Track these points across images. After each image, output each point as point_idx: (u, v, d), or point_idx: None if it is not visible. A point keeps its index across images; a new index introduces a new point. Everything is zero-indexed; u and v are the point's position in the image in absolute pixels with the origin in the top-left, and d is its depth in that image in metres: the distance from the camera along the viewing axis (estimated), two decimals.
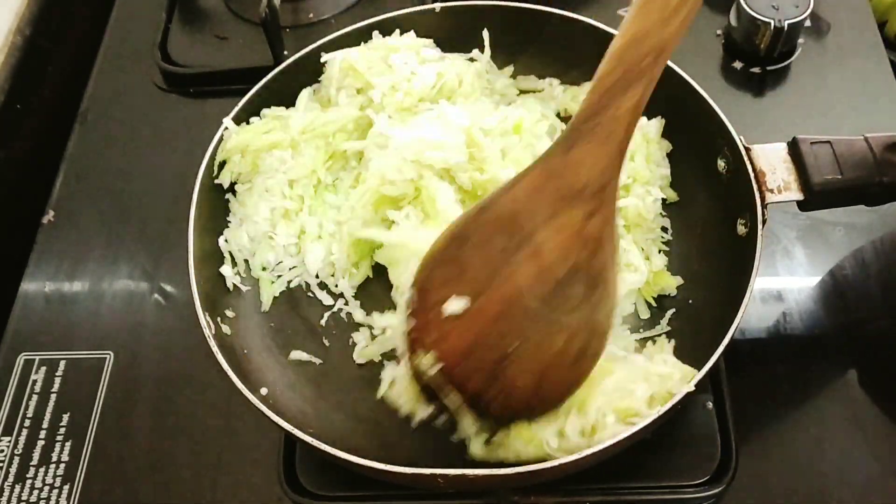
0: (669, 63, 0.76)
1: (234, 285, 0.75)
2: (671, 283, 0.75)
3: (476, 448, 0.65)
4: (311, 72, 0.82)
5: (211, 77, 0.99)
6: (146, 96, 0.99)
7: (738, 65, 0.96)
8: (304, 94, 0.82)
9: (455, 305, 0.60)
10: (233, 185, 0.78)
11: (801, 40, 0.96)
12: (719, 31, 0.99)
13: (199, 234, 0.72)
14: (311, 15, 1.03)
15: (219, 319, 0.70)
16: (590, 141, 0.54)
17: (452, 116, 0.76)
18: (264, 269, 0.77)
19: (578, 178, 0.55)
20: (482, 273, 0.59)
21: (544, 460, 0.59)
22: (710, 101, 0.74)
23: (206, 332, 0.65)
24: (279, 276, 0.78)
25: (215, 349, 0.64)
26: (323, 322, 0.77)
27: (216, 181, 0.77)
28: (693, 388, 0.61)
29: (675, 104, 0.77)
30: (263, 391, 0.68)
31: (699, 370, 0.62)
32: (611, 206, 0.56)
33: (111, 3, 1.09)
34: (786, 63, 0.95)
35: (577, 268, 0.57)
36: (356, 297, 0.78)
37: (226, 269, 0.75)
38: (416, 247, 0.69)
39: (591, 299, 0.58)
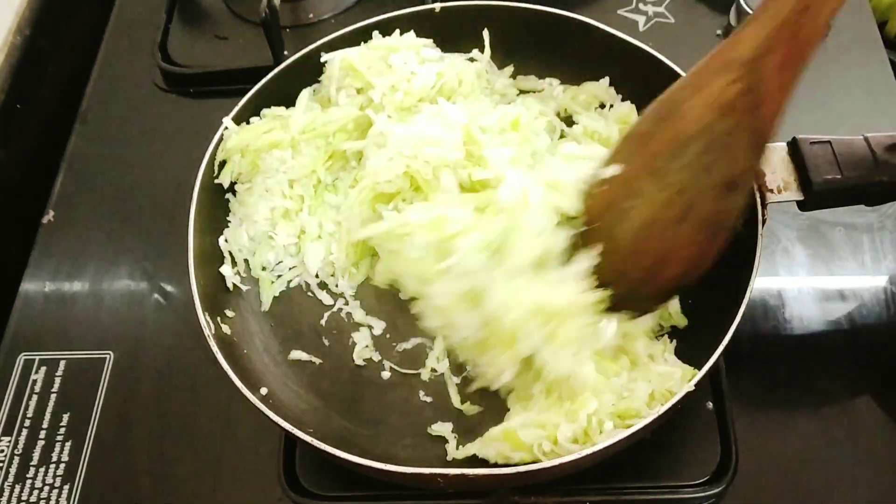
0: (669, 62, 0.76)
1: (234, 285, 0.75)
2: (680, 322, 0.74)
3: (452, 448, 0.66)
4: (311, 72, 0.82)
5: (211, 77, 0.99)
6: (146, 96, 0.99)
7: None
8: (304, 94, 0.82)
9: (608, 171, 0.62)
10: (233, 184, 0.79)
11: None
12: (719, 31, 0.99)
13: (199, 233, 0.72)
14: (311, 15, 1.03)
15: (219, 319, 0.70)
16: (753, 21, 0.54)
17: (450, 114, 0.76)
18: (264, 268, 0.78)
19: (732, 52, 0.55)
20: (635, 146, 0.62)
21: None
22: None
23: (206, 331, 0.65)
24: (279, 276, 0.78)
25: (215, 349, 0.64)
26: (323, 322, 0.77)
27: (216, 181, 0.77)
28: (693, 388, 0.61)
29: None
30: (263, 391, 0.68)
31: (699, 370, 0.62)
32: (754, 77, 0.54)
33: (111, 3, 1.09)
34: None
35: (704, 129, 0.57)
36: (356, 297, 0.78)
37: (226, 269, 0.75)
38: (415, 223, 0.70)
39: (704, 160, 0.57)
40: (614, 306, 0.64)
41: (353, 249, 0.77)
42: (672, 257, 0.61)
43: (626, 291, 0.63)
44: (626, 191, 0.61)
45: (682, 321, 0.72)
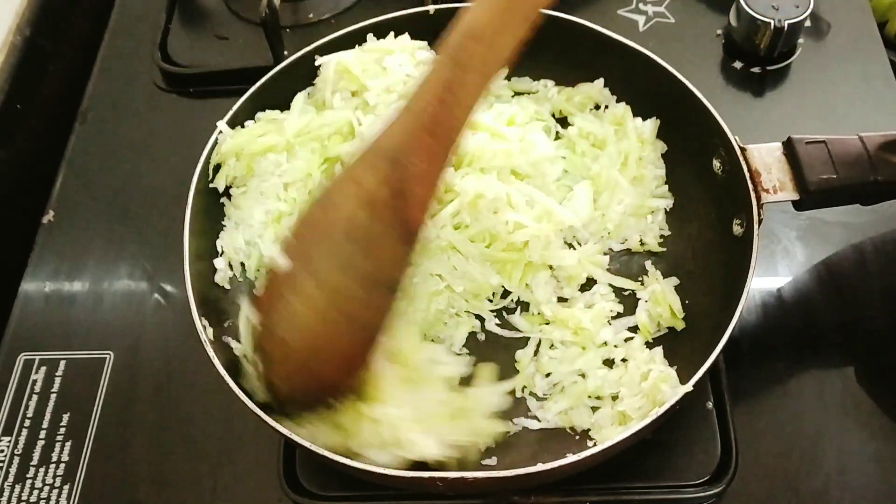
0: (664, 63, 0.76)
1: (231, 289, 0.75)
2: (678, 325, 0.74)
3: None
4: (306, 74, 0.82)
5: (211, 77, 0.99)
6: (146, 96, 0.99)
7: (738, 65, 0.96)
8: (299, 98, 0.82)
9: (279, 261, 0.61)
10: (228, 188, 0.78)
11: (801, 40, 0.96)
12: (719, 31, 0.99)
13: (194, 237, 0.71)
14: (311, 15, 1.03)
15: (215, 324, 0.70)
16: (403, 114, 0.57)
17: None
18: (259, 270, 0.77)
19: (382, 144, 0.57)
20: (302, 234, 0.62)
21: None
22: (705, 101, 0.74)
23: (203, 336, 0.65)
24: None
25: (212, 354, 0.64)
26: None
27: (211, 185, 0.77)
28: (692, 388, 0.61)
29: (669, 104, 0.78)
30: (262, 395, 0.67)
31: (698, 370, 0.62)
32: (396, 171, 0.56)
33: (111, 3, 1.09)
34: (786, 63, 0.95)
35: (343, 229, 0.58)
36: None
37: (221, 274, 0.75)
38: None
39: (348, 252, 0.58)
40: (287, 407, 0.63)
41: None
42: (329, 357, 0.61)
43: (303, 403, 0.63)
44: (291, 287, 0.60)
45: (679, 324, 0.72)
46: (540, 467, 0.58)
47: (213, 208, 0.77)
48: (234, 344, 0.70)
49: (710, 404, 0.72)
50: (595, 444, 0.64)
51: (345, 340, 0.60)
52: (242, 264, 0.77)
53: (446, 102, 0.55)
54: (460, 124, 0.56)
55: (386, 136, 0.57)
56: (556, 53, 0.84)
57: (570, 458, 0.58)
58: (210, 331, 0.67)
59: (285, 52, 0.93)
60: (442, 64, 0.56)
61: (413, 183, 0.56)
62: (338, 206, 0.59)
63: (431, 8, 0.83)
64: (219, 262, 0.75)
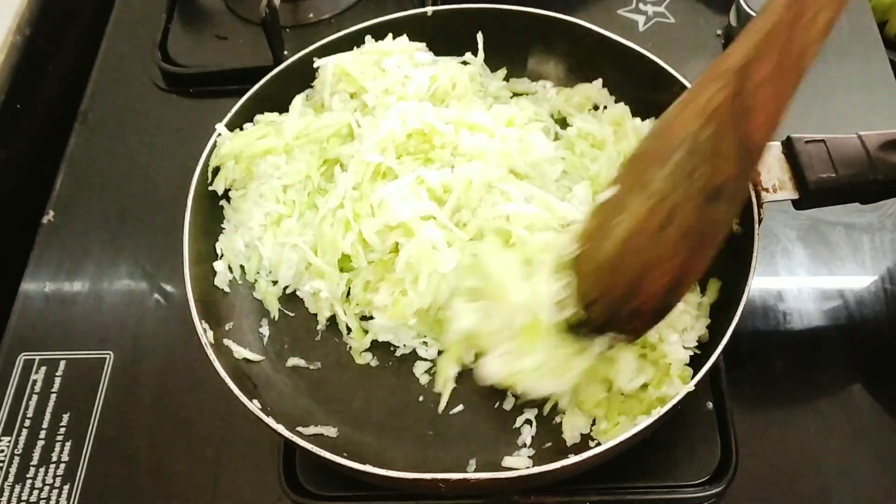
0: (662, 63, 0.77)
1: (231, 292, 0.75)
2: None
3: None
4: (305, 76, 0.82)
5: (211, 77, 0.99)
6: (146, 96, 0.99)
7: None
8: (298, 100, 0.82)
9: (605, 194, 0.61)
10: (227, 191, 0.78)
11: None
12: (719, 31, 0.99)
13: (194, 240, 0.72)
14: (311, 15, 1.03)
15: (215, 326, 0.70)
16: (745, 33, 0.54)
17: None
18: (259, 273, 0.77)
19: (723, 64, 0.54)
20: (630, 166, 0.61)
21: None
22: None
23: (203, 339, 0.65)
24: (275, 283, 0.77)
25: (213, 357, 0.64)
26: (320, 327, 0.76)
27: (210, 188, 0.77)
28: (693, 388, 0.61)
29: (668, 104, 0.77)
30: (262, 398, 0.67)
31: (699, 370, 0.62)
32: (742, 84, 0.53)
33: (111, 3, 1.09)
34: None
35: (688, 136, 0.55)
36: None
37: (221, 277, 0.75)
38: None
39: (686, 167, 0.55)
40: (599, 328, 0.62)
41: None
42: (655, 269, 0.59)
43: (610, 309, 0.61)
44: (616, 208, 0.60)
45: None
46: (541, 468, 0.58)
47: (212, 211, 0.77)
48: (234, 347, 0.70)
49: (710, 404, 0.72)
50: (597, 445, 0.65)
51: (674, 254, 0.58)
52: (242, 267, 0.77)
53: (799, 18, 0.52)
54: (812, 45, 0.52)
55: (732, 50, 0.54)
56: (554, 54, 0.84)
57: (572, 459, 0.58)
58: (210, 334, 0.67)
59: (285, 53, 0.93)
60: None
61: (760, 98, 0.53)
62: (679, 124, 0.56)
63: (429, 9, 0.83)
64: (218, 265, 0.75)
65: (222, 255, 0.76)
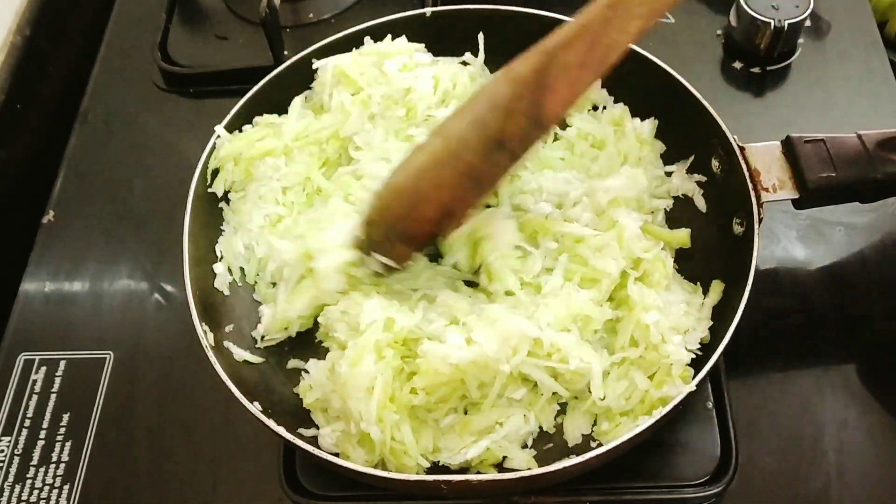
0: (661, 63, 0.76)
1: (230, 294, 0.75)
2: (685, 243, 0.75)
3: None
4: (303, 78, 0.82)
5: (211, 77, 0.99)
6: (146, 96, 0.99)
7: (738, 65, 0.96)
8: (297, 101, 0.82)
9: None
10: (226, 193, 0.78)
11: (801, 40, 0.96)
12: (719, 31, 0.99)
13: (193, 242, 0.71)
14: (311, 15, 1.03)
15: (215, 328, 0.69)
16: (570, 22, 0.61)
17: None
18: (258, 275, 0.77)
19: (542, 44, 0.61)
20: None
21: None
22: (703, 101, 0.74)
23: (203, 342, 0.65)
24: (274, 284, 0.77)
25: (213, 360, 0.64)
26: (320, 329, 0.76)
27: (210, 190, 0.77)
28: (694, 388, 0.61)
29: (667, 104, 0.78)
30: (262, 401, 0.67)
31: (699, 371, 0.62)
32: (547, 64, 0.61)
33: (111, 3, 1.09)
34: (786, 63, 0.95)
35: (490, 92, 0.64)
36: None
37: (221, 278, 0.75)
38: None
39: (480, 115, 0.63)
40: (370, 248, 0.68)
41: None
42: (432, 196, 0.65)
43: (384, 229, 0.68)
44: (418, 150, 0.67)
45: (686, 242, 0.75)
46: (543, 470, 0.58)
47: (212, 212, 0.77)
48: (234, 349, 0.70)
49: (710, 404, 0.72)
50: (599, 446, 0.64)
51: (451, 186, 0.65)
52: (242, 269, 0.77)
53: (613, 20, 0.59)
54: (617, 46, 0.60)
55: (548, 37, 0.61)
56: None
57: (574, 460, 0.58)
58: (210, 336, 0.67)
59: (285, 53, 0.93)
60: None
61: (559, 78, 0.60)
62: (488, 86, 0.65)
63: (428, 10, 0.83)
64: (218, 267, 0.75)
65: (222, 257, 0.76)
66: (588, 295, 0.68)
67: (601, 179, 0.75)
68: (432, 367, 0.64)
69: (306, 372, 0.70)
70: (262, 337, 0.73)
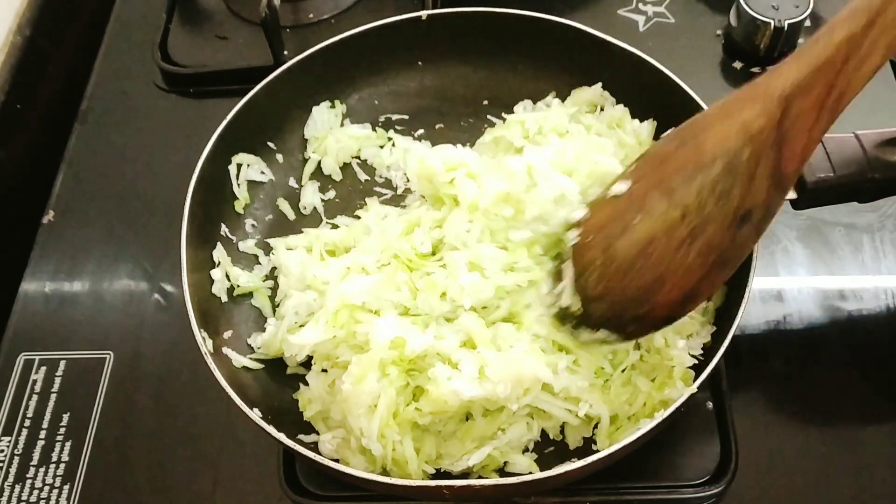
0: (659, 65, 0.76)
1: (229, 300, 0.74)
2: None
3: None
4: (301, 79, 0.82)
5: (211, 77, 0.99)
6: (146, 96, 0.99)
7: (738, 65, 0.96)
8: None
9: (618, 186, 0.60)
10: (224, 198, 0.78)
11: (800, 40, 0.96)
12: (719, 31, 0.99)
13: (192, 247, 0.71)
14: (311, 15, 1.03)
15: (214, 334, 0.69)
16: (794, 59, 0.52)
17: None
18: (265, 279, 0.77)
19: (767, 85, 0.53)
20: (650, 165, 0.60)
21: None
22: (700, 102, 0.74)
23: (203, 348, 0.65)
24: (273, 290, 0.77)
25: (212, 366, 0.64)
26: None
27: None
28: (696, 390, 0.61)
29: (666, 106, 0.77)
30: (262, 407, 0.67)
31: (701, 372, 0.62)
32: (784, 113, 0.52)
33: (111, 3, 1.09)
34: None
35: (724, 153, 0.54)
36: None
37: (219, 285, 0.74)
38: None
39: (719, 185, 0.55)
40: (596, 323, 0.62)
41: None
42: (671, 280, 0.58)
43: (615, 308, 0.61)
44: (633, 205, 0.59)
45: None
46: (546, 474, 0.58)
47: (210, 218, 0.77)
48: (233, 355, 0.70)
49: (710, 404, 0.72)
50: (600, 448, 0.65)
51: (694, 268, 0.57)
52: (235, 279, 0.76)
53: (850, 58, 0.50)
54: (854, 88, 0.51)
55: (778, 75, 0.52)
56: (553, 57, 0.84)
57: (576, 464, 0.58)
58: (210, 343, 0.67)
59: (285, 53, 0.93)
60: (853, 16, 0.49)
61: (797, 130, 0.52)
62: (713, 137, 0.55)
63: (424, 13, 0.83)
64: (216, 273, 0.75)
65: (219, 264, 0.75)
66: None
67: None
68: (441, 396, 0.62)
69: (306, 385, 0.70)
70: (258, 348, 0.73)
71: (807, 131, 0.53)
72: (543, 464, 0.66)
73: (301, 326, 0.70)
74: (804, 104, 0.51)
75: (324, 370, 0.70)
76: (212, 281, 0.74)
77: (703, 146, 0.56)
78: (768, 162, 0.53)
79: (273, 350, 0.71)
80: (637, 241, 0.58)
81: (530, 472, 0.64)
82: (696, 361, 0.66)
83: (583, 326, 0.63)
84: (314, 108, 0.85)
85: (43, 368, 0.79)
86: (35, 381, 0.78)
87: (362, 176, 0.85)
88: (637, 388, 0.66)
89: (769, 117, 0.52)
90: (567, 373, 0.64)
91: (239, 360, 0.70)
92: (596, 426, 0.68)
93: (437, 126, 0.87)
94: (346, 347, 0.67)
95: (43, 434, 0.75)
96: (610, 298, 0.61)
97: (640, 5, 1.02)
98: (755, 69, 0.95)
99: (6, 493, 0.72)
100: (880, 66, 0.50)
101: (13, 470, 0.74)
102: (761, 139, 0.53)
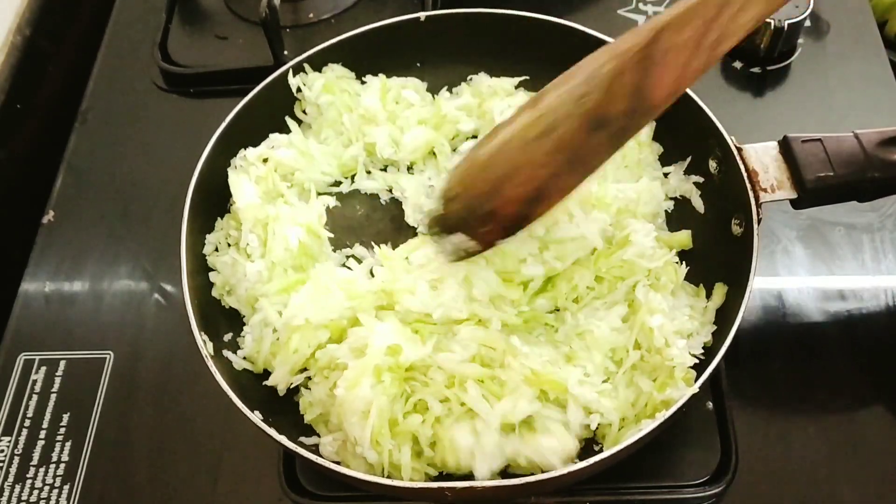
0: None
1: (229, 302, 0.74)
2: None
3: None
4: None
5: (211, 77, 0.99)
6: (146, 96, 0.99)
7: (737, 65, 0.96)
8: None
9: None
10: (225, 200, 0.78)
11: (800, 40, 0.96)
12: None
13: (191, 250, 0.71)
14: (311, 15, 1.03)
15: (214, 337, 0.69)
16: (679, 4, 0.55)
17: None
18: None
19: (649, 23, 0.56)
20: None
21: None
22: (700, 102, 0.74)
23: (203, 351, 0.65)
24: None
25: (213, 369, 0.64)
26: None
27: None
28: (697, 391, 0.61)
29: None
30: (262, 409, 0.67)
31: (701, 372, 0.62)
32: (655, 42, 0.55)
33: (111, 3, 1.09)
34: (786, 63, 0.95)
35: (584, 71, 0.58)
36: None
37: (218, 289, 0.74)
38: None
39: (579, 90, 0.58)
40: (451, 227, 0.64)
41: None
42: (520, 174, 0.60)
43: (469, 205, 0.62)
44: (506, 123, 0.62)
45: (687, 244, 0.74)
46: (547, 475, 0.58)
47: (209, 221, 0.77)
48: (232, 357, 0.70)
49: (710, 404, 0.72)
50: (601, 449, 0.64)
51: (544, 163, 0.59)
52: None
53: (727, 5, 0.53)
54: (732, 35, 0.54)
55: (657, 16, 0.56)
56: (553, 58, 0.83)
57: (578, 465, 0.58)
58: (210, 345, 0.67)
59: (285, 53, 0.93)
60: None
61: (666, 60, 0.55)
62: (586, 61, 0.58)
63: (422, 14, 0.83)
64: (214, 277, 0.75)
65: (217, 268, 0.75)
66: (612, 322, 0.69)
67: (615, 182, 0.75)
68: (456, 460, 0.63)
69: (307, 389, 0.70)
70: (245, 357, 0.72)
71: (681, 65, 0.55)
72: None
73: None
74: (677, 39, 0.54)
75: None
76: (211, 284, 0.74)
77: (579, 66, 0.59)
78: (632, 78, 0.55)
79: (258, 368, 0.71)
80: (496, 143, 0.61)
81: (531, 473, 0.64)
82: (697, 361, 0.66)
83: (442, 232, 0.65)
84: None
85: (43, 368, 0.79)
86: (35, 381, 0.78)
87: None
88: (639, 389, 0.66)
89: (639, 42, 0.55)
90: (579, 385, 0.65)
91: (239, 363, 0.70)
92: (598, 427, 0.68)
93: None
94: (347, 349, 0.67)
95: (43, 434, 0.75)
96: (465, 195, 0.63)
97: (640, 5, 1.02)
98: (755, 69, 0.95)
99: (6, 493, 0.72)
100: (762, 17, 0.54)
101: (13, 470, 0.74)
102: (625, 57, 0.55)
